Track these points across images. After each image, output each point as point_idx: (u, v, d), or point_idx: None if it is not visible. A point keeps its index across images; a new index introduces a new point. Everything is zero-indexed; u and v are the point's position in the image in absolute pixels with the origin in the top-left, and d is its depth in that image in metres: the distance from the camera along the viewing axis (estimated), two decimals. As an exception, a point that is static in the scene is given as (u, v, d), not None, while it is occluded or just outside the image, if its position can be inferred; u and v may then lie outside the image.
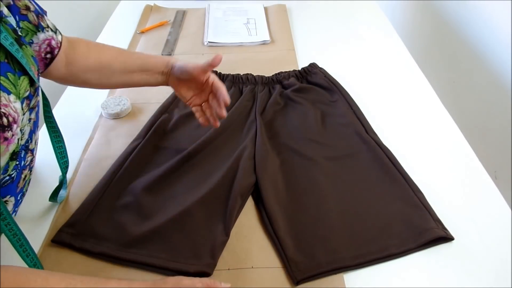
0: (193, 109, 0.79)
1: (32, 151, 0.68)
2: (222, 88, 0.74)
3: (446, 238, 0.65)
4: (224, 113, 0.74)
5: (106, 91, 0.99)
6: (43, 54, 0.68)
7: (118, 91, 0.99)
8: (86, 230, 0.66)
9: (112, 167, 0.76)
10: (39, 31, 0.65)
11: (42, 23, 0.66)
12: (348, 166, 0.77)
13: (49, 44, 0.68)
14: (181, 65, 0.76)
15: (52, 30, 0.69)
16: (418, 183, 0.73)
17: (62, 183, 0.72)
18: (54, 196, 0.71)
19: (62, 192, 0.73)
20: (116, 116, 0.91)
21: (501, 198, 0.73)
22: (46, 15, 0.69)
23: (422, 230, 0.65)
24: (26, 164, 0.67)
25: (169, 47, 1.17)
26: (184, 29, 1.27)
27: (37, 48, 0.66)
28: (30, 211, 0.72)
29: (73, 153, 0.83)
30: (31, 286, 0.50)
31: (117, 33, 1.27)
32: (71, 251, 0.65)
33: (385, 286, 0.60)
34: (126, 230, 0.66)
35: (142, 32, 1.25)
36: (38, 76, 0.65)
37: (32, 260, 0.58)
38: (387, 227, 0.67)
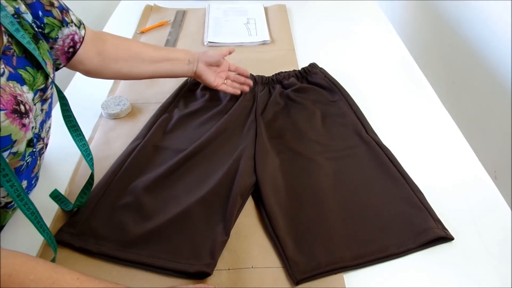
0: (222, 87, 0.90)
1: (43, 139, 0.71)
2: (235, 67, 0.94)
3: (446, 238, 0.65)
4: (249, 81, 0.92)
5: (106, 91, 0.99)
6: (66, 48, 0.72)
7: (118, 91, 0.99)
8: (87, 230, 0.66)
9: (112, 167, 0.76)
10: (63, 26, 0.69)
11: (66, 18, 0.70)
12: (348, 166, 0.77)
13: (72, 39, 0.72)
14: (205, 52, 0.88)
15: (75, 25, 0.72)
16: (418, 183, 0.73)
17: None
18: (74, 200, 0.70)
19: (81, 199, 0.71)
20: (116, 116, 0.91)
21: (501, 198, 0.73)
22: (70, 11, 0.72)
23: (422, 230, 0.65)
24: (39, 151, 0.69)
25: (169, 47, 1.17)
26: (184, 29, 1.27)
27: (61, 42, 0.70)
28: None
29: (73, 153, 0.83)
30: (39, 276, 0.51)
31: (117, 33, 1.23)
32: (71, 251, 0.65)
33: (385, 286, 0.60)
34: (126, 230, 0.66)
35: (142, 32, 1.25)
36: (53, 69, 0.68)
37: (44, 231, 0.59)
38: (387, 227, 0.67)
